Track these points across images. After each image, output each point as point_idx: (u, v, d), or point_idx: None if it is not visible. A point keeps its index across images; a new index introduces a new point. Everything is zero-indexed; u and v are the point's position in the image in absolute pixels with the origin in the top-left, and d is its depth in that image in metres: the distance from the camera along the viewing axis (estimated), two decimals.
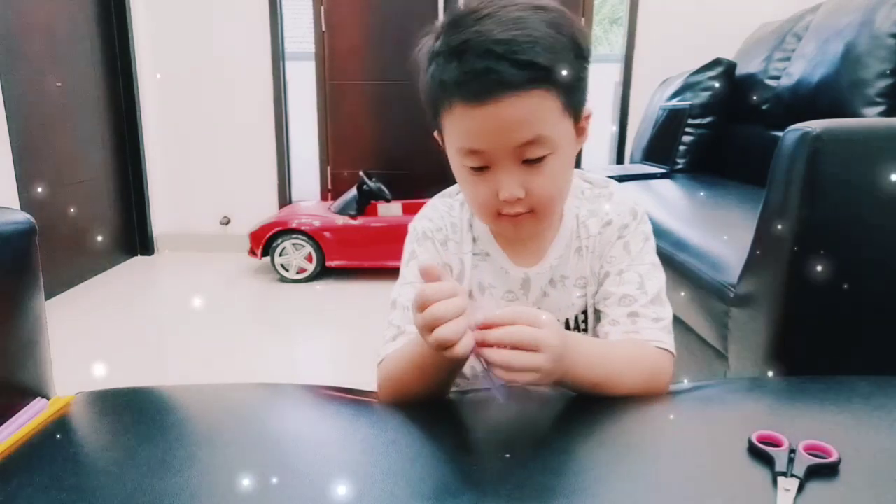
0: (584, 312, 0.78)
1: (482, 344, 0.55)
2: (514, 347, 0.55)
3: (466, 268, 0.78)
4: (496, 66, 0.60)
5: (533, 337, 0.55)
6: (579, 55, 0.64)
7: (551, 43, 0.61)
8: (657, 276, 0.75)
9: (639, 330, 0.71)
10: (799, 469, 0.50)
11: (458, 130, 0.65)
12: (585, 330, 0.79)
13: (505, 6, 0.63)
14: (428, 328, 0.54)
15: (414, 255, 0.77)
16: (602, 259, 0.76)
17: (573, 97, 0.65)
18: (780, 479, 0.49)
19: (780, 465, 0.51)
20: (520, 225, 0.69)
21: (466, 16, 0.64)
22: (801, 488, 0.49)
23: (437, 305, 0.54)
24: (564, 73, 0.62)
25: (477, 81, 0.61)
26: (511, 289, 0.78)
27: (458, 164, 0.69)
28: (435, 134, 0.74)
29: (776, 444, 0.54)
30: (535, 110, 0.62)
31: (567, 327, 0.78)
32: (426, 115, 0.71)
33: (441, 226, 0.78)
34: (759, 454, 0.53)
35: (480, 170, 0.66)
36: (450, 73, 0.63)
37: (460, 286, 0.55)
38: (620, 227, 0.76)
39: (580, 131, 0.70)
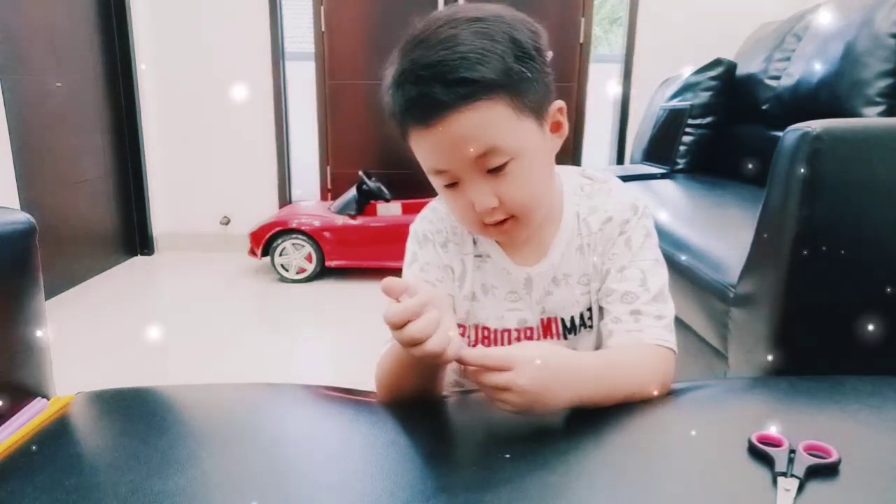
0: (590, 309, 0.78)
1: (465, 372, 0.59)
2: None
3: (468, 269, 0.78)
4: (428, 91, 0.62)
5: (502, 381, 0.57)
6: (522, 55, 0.64)
7: (481, 55, 0.61)
8: (660, 273, 0.74)
9: (642, 328, 0.71)
10: (799, 469, 0.50)
11: (420, 153, 0.68)
12: (591, 327, 0.79)
13: (440, 27, 0.64)
14: (407, 345, 0.55)
15: (416, 257, 0.77)
16: (604, 256, 0.76)
17: (526, 97, 0.64)
18: (780, 480, 0.50)
19: (780, 465, 0.51)
20: (506, 232, 0.70)
21: (406, 44, 0.66)
22: (800, 488, 0.49)
23: (410, 327, 0.54)
24: (502, 78, 0.62)
25: (417, 108, 0.63)
26: (514, 289, 0.78)
27: (432, 179, 0.70)
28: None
29: (776, 445, 0.54)
30: (481, 123, 0.62)
31: (573, 325, 0.78)
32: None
33: (441, 228, 0.78)
34: (759, 454, 0.53)
35: (453, 186, 0.68)
36: (397, 102, 0.66)
37: (427, 296, 0.56)
38: (621, 223, 0.75)
39: (554, 127, 0.70)
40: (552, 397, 0.59)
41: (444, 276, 0.76)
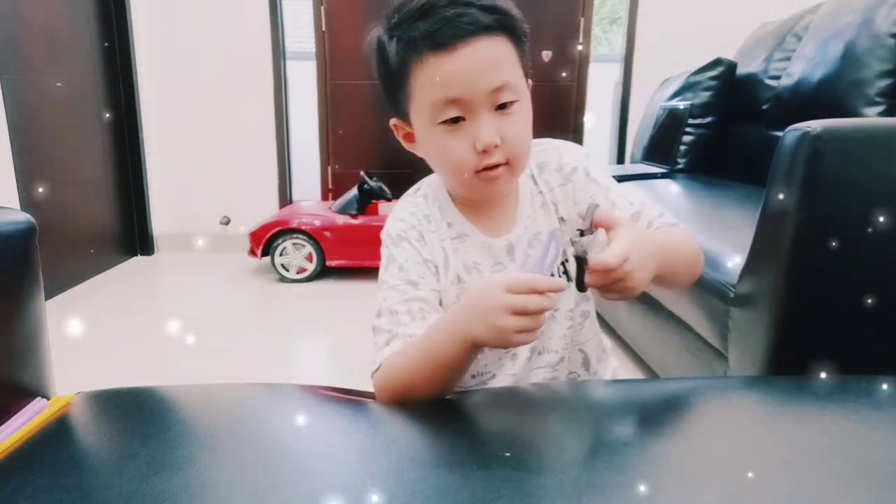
0: (564, 263, 0.80)
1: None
2: None
3: (449, 254, 0.78)
4: (466, 11, 0.66)
5: (623, 274, 0.61)
6: (522, 21, 0.71)
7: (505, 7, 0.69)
8: (640, 196, 0.81)
9: (655, 223, 0.79)
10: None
11: (431, 84, 0.68)
12: (568, 278, 0.80)
13: None
14: (512, 311, 0.57)
15: (392, 258, 0.77)
16: (581, 202, 0.79)
17: (524, 54, 0.71)
18: None
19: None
20: (496, 180, 0.71)
21: None
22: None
23: (539, 299, 0.57)
24: (518, 25, 0.69)
25: (449, 26, 0.65)
26: (498, 260, 0.79)
27: (429, 126, 0.71)
28: (393, 124, 0.78)
29: None
30: (503, 54, 0.68)
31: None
32: (386, 105, 0.77)
33: (412, 223, 0.79)
34: None
35: (456, 123, 0.69)
36: (419, 30, 0.67)
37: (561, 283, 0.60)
38: (584, 169, 0.80)
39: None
40: (647, 273, 0.63)
41: (425, 272, 0.76)
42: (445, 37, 0.65)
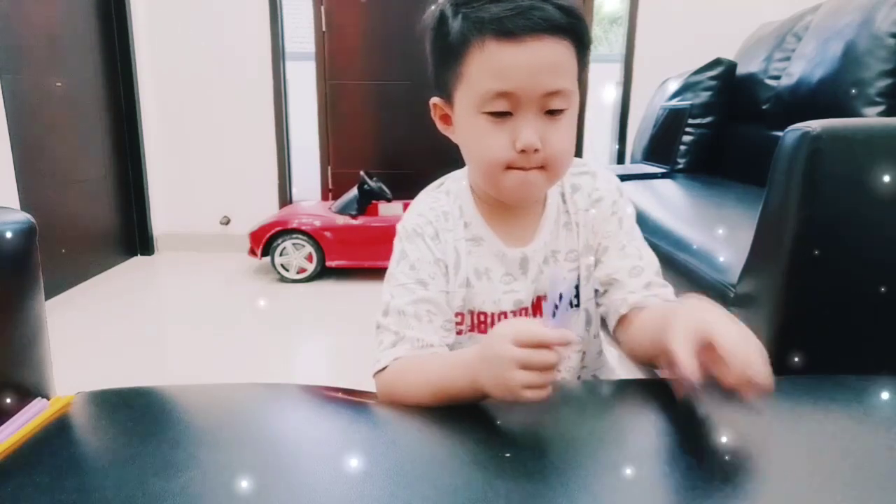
0: (577, 287, 0.79)
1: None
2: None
3: (462, 255, 0.77)
4: (541, 5, 0.63)
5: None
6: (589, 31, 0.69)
7: (579, 7, 0.67)
8: (650, 250, 0.79)
9: (658, 295, 0.74)
10: None
11: (487, 71, 0.65)
12: (578, 306, 0.80)
13: None
14: (520, 365, 0.54)
15: (404, 254, 0.76)
16: (598, 234, 0.78)
17: (583, 66, 0.69)
18: None
19: None
20: (529, 182, 0.69)
21: None
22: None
23: (546, 354, 0.54)
24: (588, 35, 0.67)
25: (521, 17, 0.63)
26: (509, 270, 0.78)
27: (473, 113, 0.68)
28: (433, 103, 0.75)
29: None
30: (566, 60, 0.66)
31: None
32: (431, 81, 0.74)
33: (430, 219, 0.77)
34: None
35: (501, 117, 0.67)
36: (489, 12, 0.64)
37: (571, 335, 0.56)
38: (612, 204, 0.78)
39: None
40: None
41: (435, 272, 0.75)
42: (515, 26, 0.63)
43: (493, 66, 0.65)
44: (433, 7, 0.71)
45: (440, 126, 0.77)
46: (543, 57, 0.64)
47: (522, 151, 0.66)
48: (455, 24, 0.67)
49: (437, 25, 0.70)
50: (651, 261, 0.77)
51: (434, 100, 0.75)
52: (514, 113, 0.66)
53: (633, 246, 0.77)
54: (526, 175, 0.68)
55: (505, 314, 0.79)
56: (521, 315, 0.79)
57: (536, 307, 0.79)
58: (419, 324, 0.71)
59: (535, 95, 0.65)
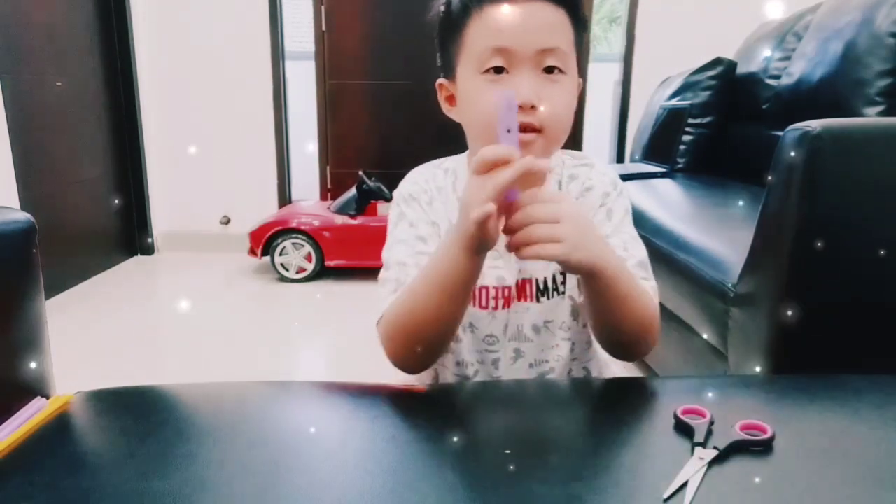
0: (563, 273, 0.79)
1: (508, 230, 0.58)
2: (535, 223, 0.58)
3: (452, 222, 0.78)
4: None
5: (552, 210, 0.58)
6: (583, 14, 0.73)
7: None
8: (640, 246, 0.78)
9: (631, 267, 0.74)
10: (721, 441, 0.53)
11: (484, 31, 0.69)
12: (564, 293, 0.80)
13: None
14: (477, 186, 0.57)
15: (403, 215, 0.79)
16: None
17: (579, 41, 0.72)
18: (697, 449, 0.52)
19: (699, 436, 0.54)
20: (527, 149, 0.68)
21: None
22: (723, 460, 0.51)
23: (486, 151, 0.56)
24: (582, 10, 0.71)
25: None
26: (496, 247, 0.78)
27: (472, 77, 0.71)
28: (438, 84, 0.78)
29: (701, 416, 0.57)
30: (561, 23, 0.70)
31: (545, 287, 0.80)
32: (437, 59, 0.77)
33: (426, 188, 0.81)
34: (682, 427, 0.56)
35: (498, 74, 0.69)
36: None
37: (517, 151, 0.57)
38: (603, 195, 0.79)
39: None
40: (590, 244, 0.61)
41: (432, 232, 0.78)
42: None
43: (489, 25, 0.69)
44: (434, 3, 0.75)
45: (445, 108, 0.79)
46: (536, 15, 0.68)
47: (520, 107, 0.66)
48: (456, 0, 0.72)
49: (444, 9, 0.74)
50: (636, 254, 0.76)
51: (440, 81, 0.78)
52: (511, 70, 0.69)
53: (619, 238, 0.76)
54: (525, 137, 0.67)
55: (487, 289, 0.79)
56: (503, 293, 0.80)
57: (521, 289, 0.80)
58: (418, 271, 0.72)
59: (530, 51, 0.68)
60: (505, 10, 0.68)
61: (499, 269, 0.79)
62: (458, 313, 0.69)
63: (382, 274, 0.76)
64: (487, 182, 0.56)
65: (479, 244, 0.61)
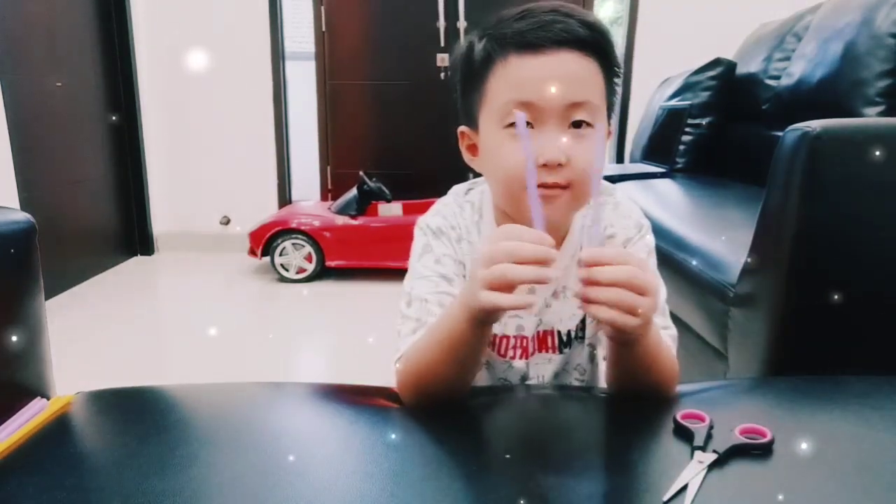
0: (583, 321, 0.78)
1: (589, 282, 0.54)
2: (623, 287, 0.53)
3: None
4: (563, 20, 0.64)
5: (644, 280, 0.54)
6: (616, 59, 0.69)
7: (604, 25, 0.67)
8: (662, 289, 0.73)
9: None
10: (720, 445, 0.53)
11: (508, 83, 0.65)
12: (583, 338, 0.78)
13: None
14: (488, 261, 0.54)
15: (429, 247, 0.75)
16: None
17: (611, 89, 0.68)
18: (697, 453, 0.52)
19: (699, 440, 0.54)
20: (552, 203, 0.65)
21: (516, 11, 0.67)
22: (722, 464, 0.52)
23: (518, 246, 0.53)
24: (614, 53, 0.67)
25: (542, 29, 0.63)
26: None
27: (495, 130, 0.67)
28: (460, 131, 0.74)
29: (700, 421, 0.57)
30: (590, 75, 0.65)
31: (568, 338, 0.78)
32: (456, 111, 0.73)
33: (455, 224, 0.76)
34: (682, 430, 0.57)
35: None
36: (511, 28, 0.65)
37: (549, 238, 0.54)
38: (624, 241, 0.75)
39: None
40: (653, 304, 0.56)
41: (458, 272, 0.74)
42: (536, 38, 0.63)
43: (513, 77, 0.65)
44: (462, 41, 0.71)
45: (467, 158, 0.75)
46: (565, 68, 0.63)
47: (545, 166, 0.63)
48: (479, 46, 0.68)
49: (465, 53, 0.70)
50: (662, 304, 0.73)
51: (461, 128, 0.74)
52: (537, 126, 0.64)
53: None
54: (549, 196, 0.64)
55: (507, 338, 0.78)
56: (521, 342, 0.78)
57: (542, 341, 0.78)
58: (441, 311, 0.70)
59: (558, 107, 0.63)
60: (531, 63, 0.63)
61: (519, 318, 0.77)
62: (468, 374, 0.67)
63: (404, 309, 0.73)
64: (507, 271, 0.52)
65: (485, 318, 0.58)
